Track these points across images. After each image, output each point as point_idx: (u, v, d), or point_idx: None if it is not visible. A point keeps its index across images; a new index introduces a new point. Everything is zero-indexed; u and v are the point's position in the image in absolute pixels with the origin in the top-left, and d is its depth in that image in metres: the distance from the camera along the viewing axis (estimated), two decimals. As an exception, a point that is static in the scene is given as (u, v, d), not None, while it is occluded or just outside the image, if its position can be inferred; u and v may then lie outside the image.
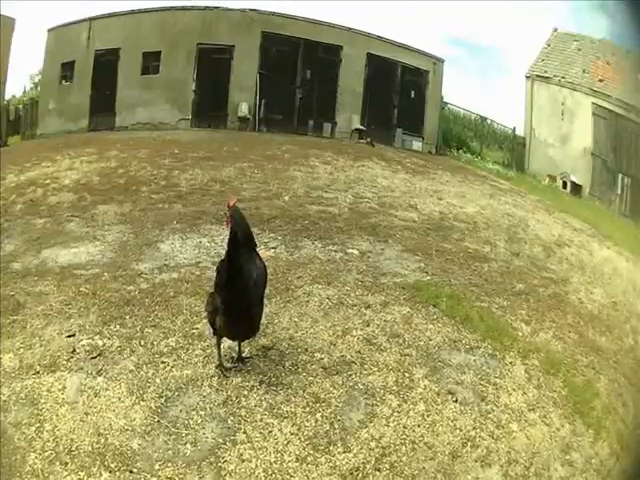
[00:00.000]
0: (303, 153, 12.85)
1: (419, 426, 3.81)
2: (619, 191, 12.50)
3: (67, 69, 16.28)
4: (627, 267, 8.14)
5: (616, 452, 3.93)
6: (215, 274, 4.22)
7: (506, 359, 4.70)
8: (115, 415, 3.83)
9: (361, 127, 15.46)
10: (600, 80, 13.11)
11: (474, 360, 4.61)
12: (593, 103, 13.34)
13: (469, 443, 3.71)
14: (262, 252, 6.19)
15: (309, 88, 15.83)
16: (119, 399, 3.98)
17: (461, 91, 16.83)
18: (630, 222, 11.33)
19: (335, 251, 6.78)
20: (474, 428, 3.85)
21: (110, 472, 3.38)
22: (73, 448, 3.54)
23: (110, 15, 15.71)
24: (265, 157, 11.85)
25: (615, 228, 10.46)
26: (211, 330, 4.47)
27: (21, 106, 18.16)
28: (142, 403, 3.95)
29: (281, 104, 15.69)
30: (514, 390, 4.31)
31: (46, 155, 12.15)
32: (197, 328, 4.81)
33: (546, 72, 14.68)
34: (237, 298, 4.07)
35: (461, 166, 15.15)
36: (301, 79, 15.81)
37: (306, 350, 4.56)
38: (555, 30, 14.79)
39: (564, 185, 13.71)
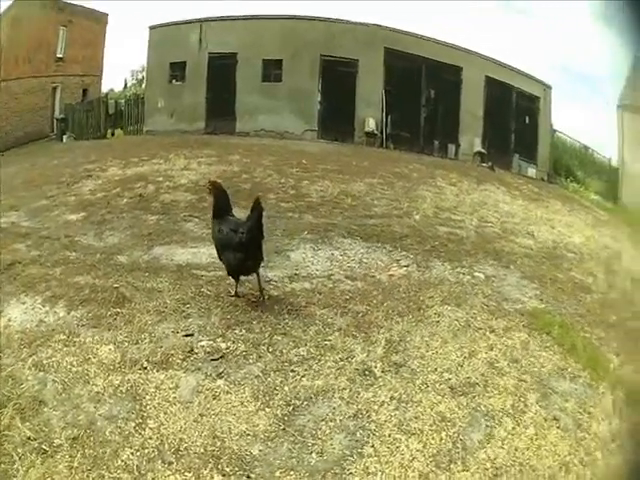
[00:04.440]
0: (430, 173, 13.10)
1: (528, 449, 3.93)
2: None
3: (177, 69, 16.76)
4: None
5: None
6: (238, 236, 5.17)
7: (599, 389, 4.83)
8: (236, 419, 3.87)
9: (483, 150, 15.58)
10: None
11: (575, 389, 4.78)
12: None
13: (564, 468, 3.81)
14: (394, 270, 6.84)
15: (433, 108, 15.90)
16: (242, 403, 4.04)
17: (560, 117, 16.66)
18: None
19: (463, 274, 6.96)
20: (569, 454, 3.94)
21: (224, 475, 3.40)
22: (181, 448, 3.55)
23: (224, 19, 15.94)
24: (394, 174, 12.14)
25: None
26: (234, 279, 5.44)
27: (122, 101, 18.56)
28: (267, 410, 4.00)
29: (407, 122, 15.88)
30: (602, 419, 4.41)
31: (156, 152, 12.51)
32: (330, 340, 4.92)
33: (631, 101, 14.38)
34: (253, 243, 5.22)
35: (569, 195, 15.02)
36: (425, 98, 15.88)
37: (435, 370, 4.71)
38: (635, 57, 14.06)
39: (649, 218, 13.50)
